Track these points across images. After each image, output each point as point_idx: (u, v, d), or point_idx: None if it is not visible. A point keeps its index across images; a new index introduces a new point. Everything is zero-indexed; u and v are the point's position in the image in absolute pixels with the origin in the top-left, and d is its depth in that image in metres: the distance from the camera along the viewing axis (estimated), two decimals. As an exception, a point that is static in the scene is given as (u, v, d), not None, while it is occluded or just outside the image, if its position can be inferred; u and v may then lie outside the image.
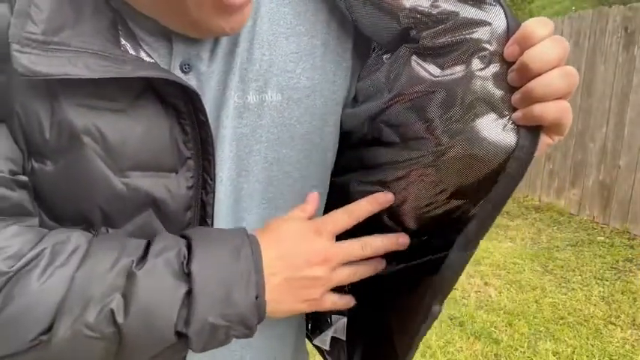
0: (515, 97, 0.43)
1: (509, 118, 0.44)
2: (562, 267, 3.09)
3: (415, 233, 0.55)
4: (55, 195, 0.47)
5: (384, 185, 0.53)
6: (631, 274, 2.93)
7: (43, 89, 0.44)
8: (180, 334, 0.43)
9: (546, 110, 0.42)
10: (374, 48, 0.56)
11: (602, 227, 3.64)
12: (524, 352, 2.24)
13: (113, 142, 0.45)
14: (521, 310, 2.60)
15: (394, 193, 0.52)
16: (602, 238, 3.48)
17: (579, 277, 2.95)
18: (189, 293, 0.43)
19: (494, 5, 0.44)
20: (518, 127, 0.44)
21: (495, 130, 0.44)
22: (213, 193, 0.49)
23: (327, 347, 0.69)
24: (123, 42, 0.46)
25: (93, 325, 0.41)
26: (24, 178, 0.46)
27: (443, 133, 0.46)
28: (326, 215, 0.52)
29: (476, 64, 0.44)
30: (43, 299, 0.41)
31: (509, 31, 0.43)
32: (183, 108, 0.46)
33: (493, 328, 2.42)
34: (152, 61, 0.47)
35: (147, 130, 0.46)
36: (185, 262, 0.44)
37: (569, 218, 3.90)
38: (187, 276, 0.43)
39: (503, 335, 2.37)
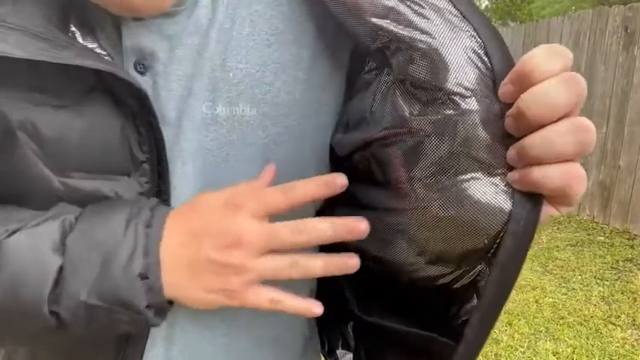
0: (510, 153, 0.35)
1: (502, 178, 0.35)
2: (562, 267, 3.09)
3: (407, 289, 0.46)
4: (8, 186, 0.43)
5: (369, 232, 0.45)
6: (631, 274, 2.93)
7: None
8: (55, 314, 0.39)
9: (548, 175, 0.33)
10: (367, 60, 0.47)
11: (602, 227, 3.64)
12: (524, 352, 2.24)
13: (49, 139, 0.40)
14: (521, 310, 2.60)
15: (378, 243, 0.44)
16: (602, 238, 3.47)
17: (579, 277, 2.94)
18: (62, 268, 0.38)
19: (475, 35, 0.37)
20: (514, 191, 0.35)
21: (483, 191, 0.36)
22: (169, 202, 0.44)
23: None
24: (72, 29, 0.42)
25: None
26: None
27: (422, 186, 0.39)
28: (263, 190, 0.41)
29: (462, 104, 0.36)
30: None
31: (494, 66, 0.35)
32: (137, 107, 0.41)
33: (493, 328, 2.42)
34: (104, 53, 0.42)
35: (90, 128, 0.41)
36: (68, 233, 0.39)
37: (569, 218, 3.90)
38: (64, 248, 0.39)
39: (503, 335, 2.37)
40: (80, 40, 0.42)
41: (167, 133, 0.43)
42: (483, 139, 0.35)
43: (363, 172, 0.46)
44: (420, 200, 0.39)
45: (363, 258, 0.46)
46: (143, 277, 0.39)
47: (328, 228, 0.39)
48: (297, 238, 0.39)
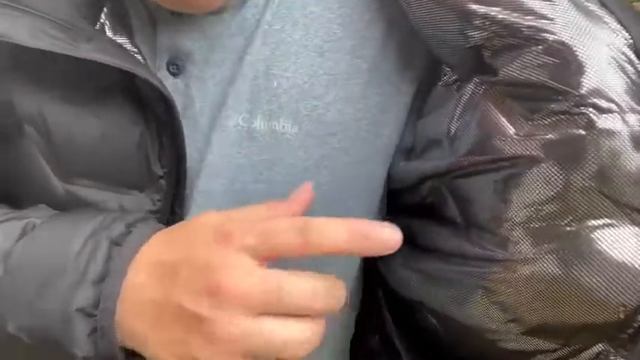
0: None
1: None
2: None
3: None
4: (2, 185, 0.40)
5: (432, 282, 0.37)
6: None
7: None
8: None
9: None
10: (444, 72, 0.40)
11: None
12: None
13: (58, 137, 0.37)
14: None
15: (446, 298, 0.36)
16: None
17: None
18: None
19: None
20: None
21: (622, 245, 0.28)
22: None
23: None
24: (102, 20, 0.38)
25: None
26: None
27: (525, 233, 0.30)
28: (271, 220, 0.29)
29: (598, 121, 0.28)
30: None
31: None
32: (163, 115, 0.37)
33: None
34: (135, 50, 0.39)
35: (104, 130, 0.37)
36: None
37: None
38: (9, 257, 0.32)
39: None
40: (109, 32, 0.38)
41: (195, 144, 0.39)
42: (628, 172, 0.27)
43: (429, 207, 0.38)
44: (522, 252, 0.30)
45: (418, 310, 0.38)
46: (87, 313, 0.29)
47: (333, 291, 0.27)
48: (313, 301, 0.27)
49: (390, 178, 0.42)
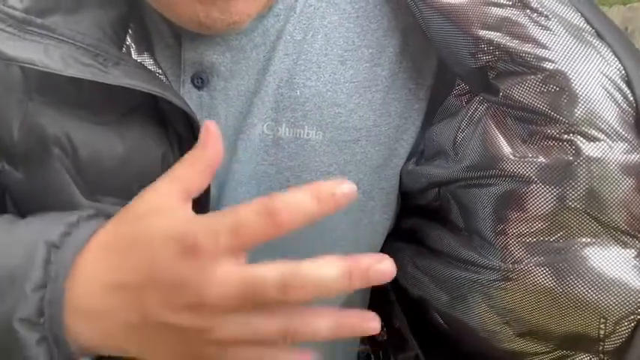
0: None
1: (637, 249, 0.30)
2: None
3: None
4: (22, 205, 0.41)
5: (436, 282, 0.40)
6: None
7: (20, 87, 0.38)
8: None
9: None
10: (457, 82, 0.41)
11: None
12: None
13: (85, 158, 0.37)
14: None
15: (448, 297, 0.39)
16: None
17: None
18: None
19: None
20: None
21: (609, 262, 0.30)
22: None
23: None
24: (128, 42, 0.39)
25: None
26: None
27: (520, 245, 0.32)
28: (233, 214, 0.26)
29: (585, 148, 0.29)
30: None
31: (638, 100, 0.30)
32: (184, 132, 0.37)
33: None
34: (159, 71, 0.40)
35: (129, 149, 0.38)
36: None
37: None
38: None
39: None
40: (134, 55, 0.39)
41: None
42: (614, 196, 0.29)
43: (437, 210, 0.41)
44: (516, 262, 0.32)
45: (425, 307, 0.41)
46: (31, 323, 0.27)
47: (337, 278, 0.25)
48: (286, 293, 0.24)
49: (399, 179, 0.44)
